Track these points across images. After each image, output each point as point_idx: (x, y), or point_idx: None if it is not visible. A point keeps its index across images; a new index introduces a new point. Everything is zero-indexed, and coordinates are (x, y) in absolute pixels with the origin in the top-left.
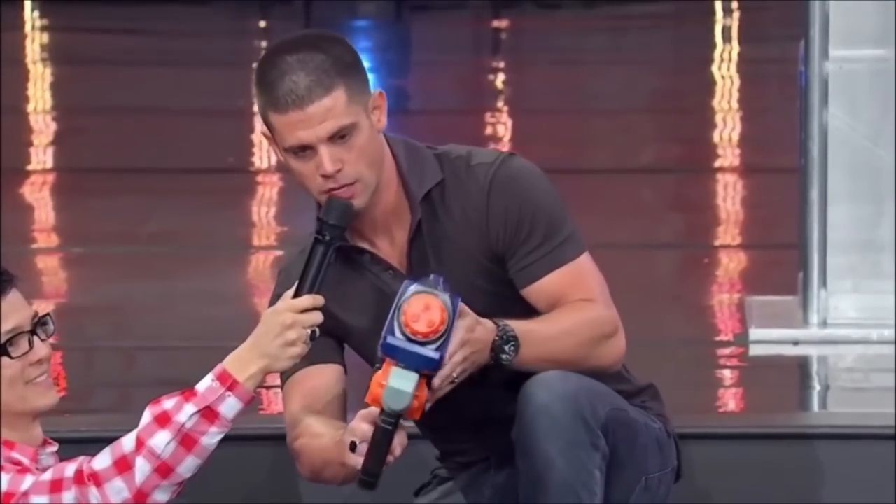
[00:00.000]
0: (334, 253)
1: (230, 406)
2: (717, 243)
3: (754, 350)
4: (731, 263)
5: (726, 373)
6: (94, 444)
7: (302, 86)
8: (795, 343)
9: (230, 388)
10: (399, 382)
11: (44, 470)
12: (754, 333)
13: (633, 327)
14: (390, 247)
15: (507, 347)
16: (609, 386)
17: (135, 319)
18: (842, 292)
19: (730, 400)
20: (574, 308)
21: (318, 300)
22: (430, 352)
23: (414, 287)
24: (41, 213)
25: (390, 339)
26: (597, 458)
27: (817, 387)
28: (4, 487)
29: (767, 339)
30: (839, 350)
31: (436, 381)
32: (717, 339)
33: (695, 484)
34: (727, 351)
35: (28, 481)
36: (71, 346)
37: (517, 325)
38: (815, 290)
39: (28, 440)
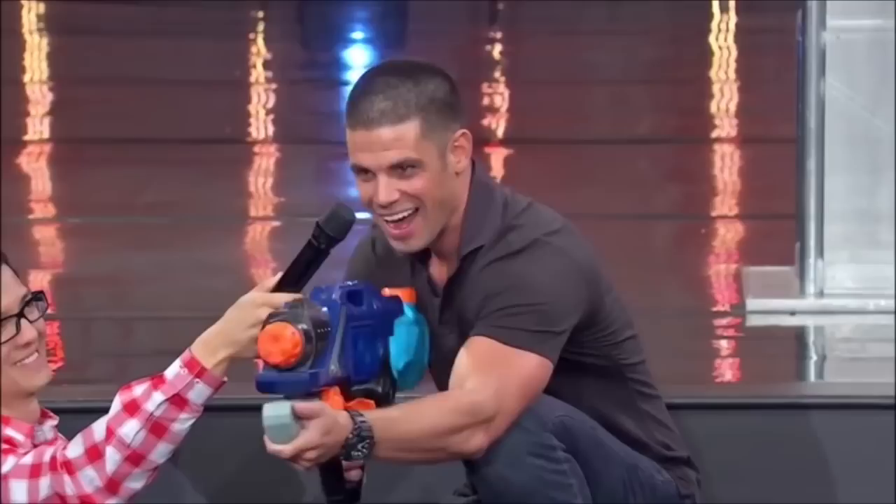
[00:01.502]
0: (325, 258)
1: (199, 392)
2: (714, 214)
3: (751, 320)
4: (729, 234)
5: (723, 343)
6: (91, 414)
7: (376, 108)
8: (792, 313)
9: (198, 375)
10: (273, 419)
11: (42, 444)
12: (751, 304)
13: (630, 297)
14: (440, 277)
15: (359, 446)
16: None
17: (132, 290)
18: (839, 262)
19: (727, 370)
20: (446, 396)
21: (298, 298)
22: (300, 375)
23: (268, 321)
24: (38, 184)
25: (258, 377)
26: (557, 455)
27: (814, 357)
28: None
29: (764, 310)
30: (836, 320)
31: (293, 457)
32: (714, 309)
33: (692, 454)
34: (724, 321)
35: (10, 463)
36: (68, 317)
37: (376, 419)
38: (812, 261)
39: (24, 416)
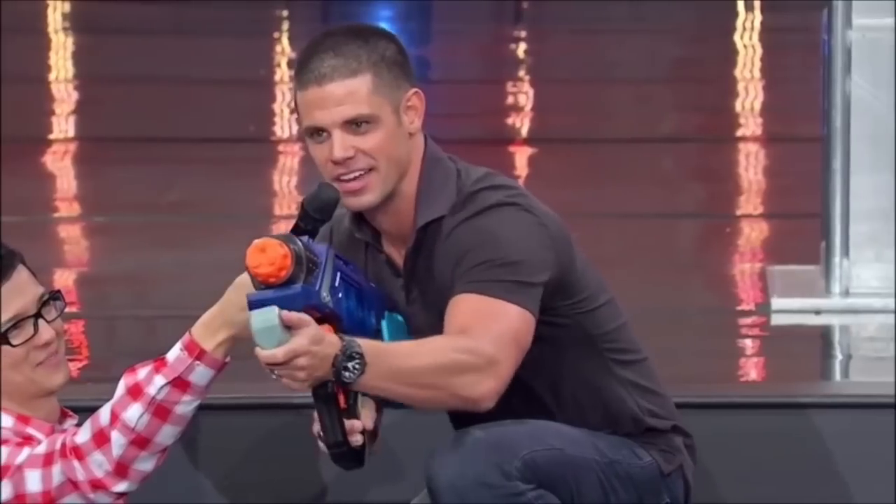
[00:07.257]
0: (313, 238)
1: (201, 375)
2: (739, 212)
3: (776, 319)
4: (753, 233)
5: (748, 342)
6: None
7: (327, 64)
8: (817, 312)
9: (198, 358)
10: (260, 322)
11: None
12: (776, 303)
13: (654, 296)
14: (398, 256)
15: (350, 365)
16: (613, 425)
17: (155, 288)
18: (864, 261)
19: (751, 369)
20: (443, 336)
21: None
22: (293, 288)
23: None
24: (63, 182)
25: (251, 296)
26: (526, 498)
27: (839, 356)
28: (3, 460)
29: (789, 309)
30: (861, 319)
31: (279, 372)
32: (739, 308)
33: (716, 453)
34: (749, 320)
35: (24, 454)
36: (92, 316)
37: (367, 343)
38: (837, 260)
39: (44, 416)
